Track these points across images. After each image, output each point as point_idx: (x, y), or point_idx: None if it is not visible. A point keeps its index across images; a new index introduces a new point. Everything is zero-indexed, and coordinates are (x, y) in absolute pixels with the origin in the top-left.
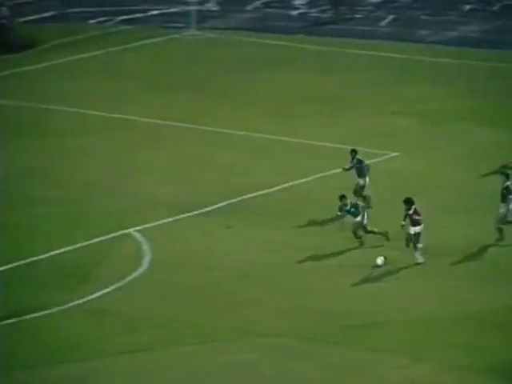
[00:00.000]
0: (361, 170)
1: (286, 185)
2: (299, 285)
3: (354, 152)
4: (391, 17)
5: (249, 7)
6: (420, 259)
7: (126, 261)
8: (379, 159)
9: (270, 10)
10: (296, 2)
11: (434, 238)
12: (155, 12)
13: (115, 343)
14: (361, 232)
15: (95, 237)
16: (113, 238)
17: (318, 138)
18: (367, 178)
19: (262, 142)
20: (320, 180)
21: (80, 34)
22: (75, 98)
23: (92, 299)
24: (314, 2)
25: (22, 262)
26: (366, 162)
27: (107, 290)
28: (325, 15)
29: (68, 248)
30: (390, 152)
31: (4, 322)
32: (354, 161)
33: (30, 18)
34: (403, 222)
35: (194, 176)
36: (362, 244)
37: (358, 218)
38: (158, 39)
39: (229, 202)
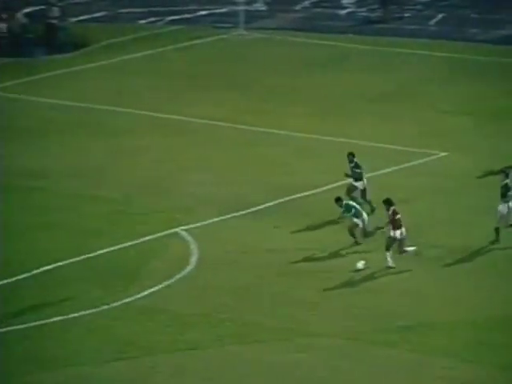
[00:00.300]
0: (358, 173)
1: (334, 185)
2: (348, 285)
3: (351, 155)
4: (440, 15)
5: (297, 7)
6: (391, 263)
7: (174, 260)
8: (427, 159)
9: (318, 10)
10: (344, 2)
11: (470, 238)
12: (204, 12)
13: (163, 342)
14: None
15: (143, 236)
16: (160, 236)
17: (366, 137)
18: (365, 181)
19: (311, 142)
20: (367, 180)
21: (130, 34)
22: (125, 97)
23: (140, 298)
24: (363, 1)
25: (71, 260)
26: (359, 170)
27: (155, 288)
28: (373, 14)
29: (116, 247)
30: (439, 151)
31: (53, 320)
32: (352, 164)
33: (81, 18)
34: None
35: (241, 175)
36: (357, 244)
37: (356, 219)
38: (207, 39)
39: (276, 201)
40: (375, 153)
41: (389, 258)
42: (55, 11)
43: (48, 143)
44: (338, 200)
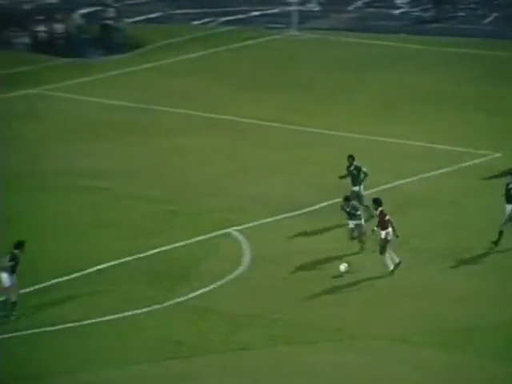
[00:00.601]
0: (356, 177)
1: (386, 186)
2: (397, 286)
3: (351, 158)
4: (494, 15)
5: (350, 7)
6: (389, 266)
7: (226, 259)
8: (483, 159)
9: (371, 10)
10: (398, 1)
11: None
12: (257, 13)
13: (215, 341)
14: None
15: (195, 235)
16: (213, 237)
17: (419, 138)
18: (362, 187)
19: (363, 142)
20: (420, 181)
21: (184, 34)
22: (179, 98)
23: (192, 297)
24: (416, 0)
25: (123, 259)
26: (364, 169)
27: (207, 288)
28: (427, 14)
29: (168, 246)
30: (492, 152)
31: (106, 318)
32: (351, 167)
33: (136, 19)
34: (375, 228)
35: (294, 176)
36: (362, 248)
37: (361, 222)
38: (260, 40)
39: (329, 202)
40: (428, 153)
41: (387, 261)
42: (111, 12)
43: (102, 143)
44: (347, 199)
